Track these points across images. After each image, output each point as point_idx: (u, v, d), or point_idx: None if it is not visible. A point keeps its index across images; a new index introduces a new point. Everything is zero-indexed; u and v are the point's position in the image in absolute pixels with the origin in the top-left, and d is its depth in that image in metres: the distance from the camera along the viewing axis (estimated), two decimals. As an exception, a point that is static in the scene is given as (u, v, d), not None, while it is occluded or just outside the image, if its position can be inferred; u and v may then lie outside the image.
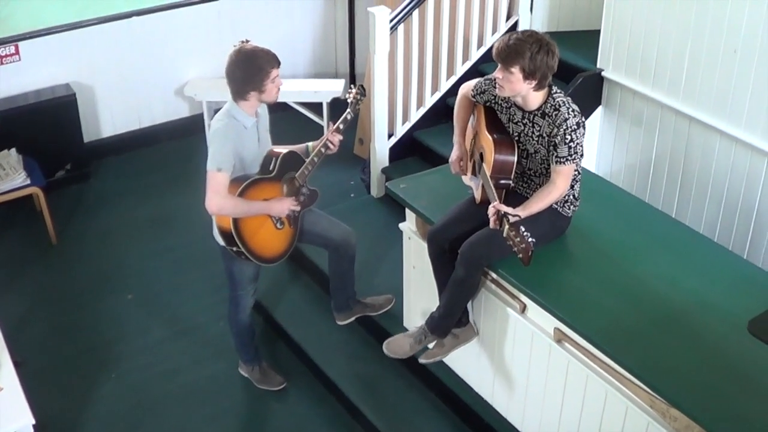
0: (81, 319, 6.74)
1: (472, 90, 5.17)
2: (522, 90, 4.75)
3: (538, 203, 4.80)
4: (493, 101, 5.05)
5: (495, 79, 4.85)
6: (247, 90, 5.24)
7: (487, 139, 4.97)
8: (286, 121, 8.20)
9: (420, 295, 5.77)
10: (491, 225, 4.65)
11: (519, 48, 4.64)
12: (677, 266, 5.05)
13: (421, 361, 5.35)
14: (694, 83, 6.27)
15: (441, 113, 7.56)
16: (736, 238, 6.28)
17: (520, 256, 4.40)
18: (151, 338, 6.57)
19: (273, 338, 6.55)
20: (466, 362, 5.62)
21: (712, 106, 6.19)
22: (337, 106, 8.25)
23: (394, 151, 7.49)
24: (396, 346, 5.36)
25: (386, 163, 7.45)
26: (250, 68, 5.19)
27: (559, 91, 4.86)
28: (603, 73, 6.91)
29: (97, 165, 8.48)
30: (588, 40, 7.19)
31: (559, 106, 4.77)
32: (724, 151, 6.20)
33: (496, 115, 5.06)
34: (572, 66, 6.91)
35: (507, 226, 4.48)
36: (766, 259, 6.11)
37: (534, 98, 4.80)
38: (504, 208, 4.60)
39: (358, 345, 6.26)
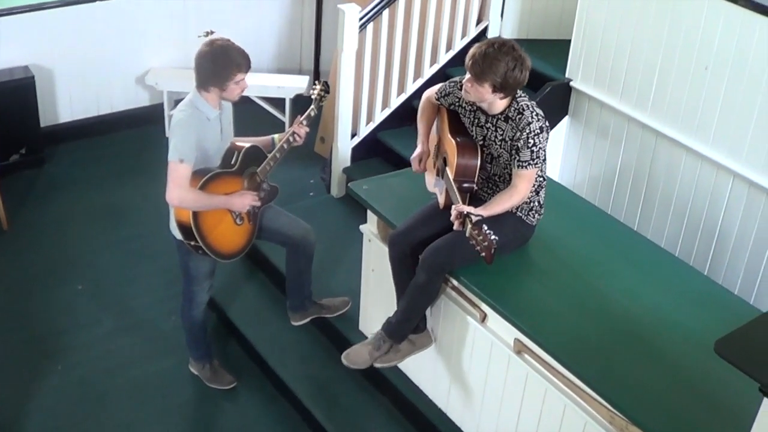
0: (29, 308, 6.59)
1: (436, 93, 5.12)
2: (488, 99, 4.72)
3: (499, 205, 4.77)
4: (457, 104, 5.00)
5: (460, 83, 4.84)
6: (209, 84, 5.17)
7: (450, 143, 4.93)
8: (248, 115, 8.06)
9: (378, 298, 5.69)
10: (455, 227, 4.60)
11: (494, 66, 4.57)
12: (640, 281, 5.04)
13: (376, 365, 5.26)
14: (662, 98, 6.26)
15: (406, 115, 7.47)
16: (697, 255, 6.28)
17: (483, 254, 4.34)
18: (101, 331, 6.43)
19: (225, 336, 6.44)
20: (421, 369, 5.55)
21: (680, 121, 6.18)
22: (300, 102, 8.18)
23: (356, 151, 7.41)
24: (356, 356, 5.26)
25: (348, 162, 7.37)
26: (217, 65, 5.11)
27: (523, 95, 4.82)
28: (571, 83, 6.89)
29: (52, 150, 8.31)
30: (557, 49, 7.17)
31: (523, 110, 4.73)
32: (690, 167, 6.20)
33: (460, 119, 5.02)
34: (541, 74, 6.85)
35: (470, 226, 4.43)
36: (726, 277, 6.12)
37: (499, 103, 4.76)
38: (466, 209, 4.55)
39: (311, 347, 6.17)
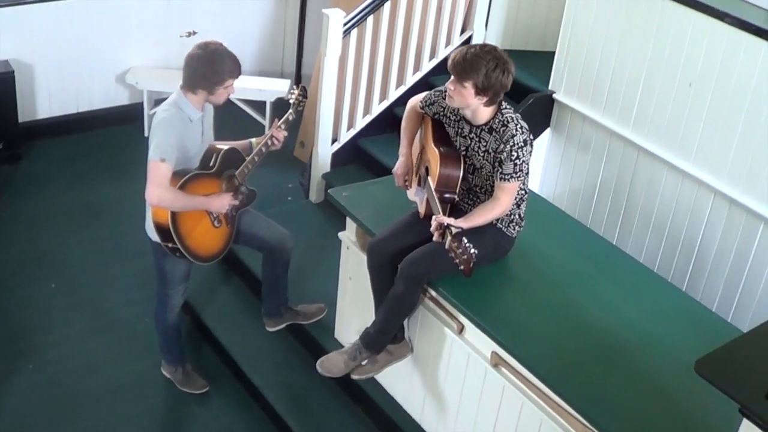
0: (1, 305, 6.50)
1: (421, 102, 5.08)
2: (472, 104, 4.67)
3: (480, 217, 4.73)
4: (441, 113, 4.96)
5: (445, 90, 4.78)
6: (198, 86, 5.12)
7: (433, 152, 4.88)
8: (228, 117, 7.97)
9: (354, 306, 5.64)
10: (435, 238, 4.55)
11: (475, 64, 4.55)
12: (619, 296, 5.01)
13: (354, 377, 5.22)
14: (645, 113, 6.25)
15: (387, 122, 7.45)
16: (676, 271, 6.28)
17: (462, 267, 4.30)
18: (73, 330, 6.36)
19: (199, 340, 6.38)
20: (396, 379, 5.50)
21: (663, 137, 6.17)
22: (281, 106, 8.12)
23: (336, 157, 7.36)
24: (330, 365, 5.22)
25: (328, 168, 7.32)
26: (209, 69, 5.07)
27: (508, 107, 4.78)
28: (554, 96, 6.87)
29: (29, 146, 8.21)
30: (540, 61, 7.16)
31: (507, 122, 4.69)
32: (671, 183, 6.19)
33: (444, 129, 4.98)
34: (523, 86, 6.84)
35: (449, 238, 4.38)
36: (704, 293, 6.12)
37: (483, 112, 4.72)
38: (446, 220, 4.52)
39: (286, 353, 6.11)
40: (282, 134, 5.53)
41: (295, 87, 5.77)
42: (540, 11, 7.66)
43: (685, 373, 4.27)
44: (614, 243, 6.32)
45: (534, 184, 6.96)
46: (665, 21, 6.01)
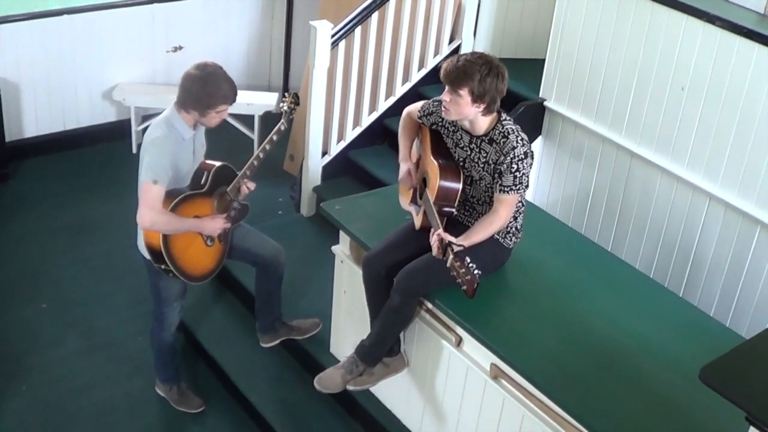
0: (-8, 326, 6.46)
1: (419, 111, 5.02)
2: (470, 114, 4.61)
3: (480, 233, 4.66)
4: (439, 124, 4.91)
5: (442, 102, 4.70)
6: (190, 106, 5.03)
7: (432, 165, 4.82)
8: (216, 131, 7.90)
9: (349, 321, 5.59)
10: (434, 253, 4.49)
11: (468, 70, 4.51)
12: (618, 304, 4.97)
13: (349, 387, 5.16)
14: (638, 119, 6.22)
15: (377, 134, 7.42)
16: (672, 276, 6.25)
17: (464, 288, 4.23)
18: (65, 351, 6.30)
19: (193, 358, 6.32)
20: (394, 393, 5.44)
21: (656, 142, 6.15)
22: (269, 119, 8.10)
23: (327, 169, 7.30)
24: (328, 381, 5.16)
25: (318, 181, 7.26)
26: (202, 91, 4.97)
27: (508, 118, 4.73)
28: (545, 103, 6.85)
29: (16, 166, 8.16)
30: (530, 68, 7.13)
31: (508, 133, 4.63)
32: (665, 188, 6.17)
33: (442, 140, 4.92)
34: (514, 94, 6.76)
35: (451, 256, 4.31)
36: (702, 299, 6.11)
37: (482, 122, 4.66)
38: (448, 237, 4.44)
39: (281, 369, 6.06)
40: (252, 185, 5.48)
41: (286, 94, 5.69)
42: (528, 19, 7.65)
43: (688, 380, 4.25)
44: (609, 250, 6.30)
45: (527, 192, 6.91)
46: (656, 25, 5.99)
